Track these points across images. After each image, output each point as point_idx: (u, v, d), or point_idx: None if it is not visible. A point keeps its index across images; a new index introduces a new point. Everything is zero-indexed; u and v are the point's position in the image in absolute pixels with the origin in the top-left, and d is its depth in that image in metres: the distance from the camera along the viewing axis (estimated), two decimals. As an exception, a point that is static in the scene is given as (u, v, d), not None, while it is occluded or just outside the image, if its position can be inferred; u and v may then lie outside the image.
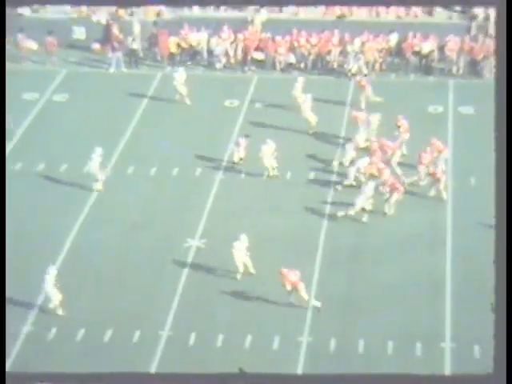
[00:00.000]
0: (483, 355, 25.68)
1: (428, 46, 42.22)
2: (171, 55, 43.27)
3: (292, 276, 27.46)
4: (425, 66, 42.33)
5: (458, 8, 44.00)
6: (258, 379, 14.70)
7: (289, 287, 27.58)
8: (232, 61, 43.03)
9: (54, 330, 27.35)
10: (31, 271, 29.21)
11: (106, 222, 32.09)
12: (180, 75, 39.75)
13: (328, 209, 32.34)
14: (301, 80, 38.66)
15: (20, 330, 27.23)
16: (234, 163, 35.00)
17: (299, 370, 25.50)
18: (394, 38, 42.77)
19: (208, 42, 43.27)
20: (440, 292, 28.51)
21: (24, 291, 28.34)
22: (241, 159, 35.02)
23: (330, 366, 25.62)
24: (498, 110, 13.86)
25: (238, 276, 29.20)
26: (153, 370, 25.70)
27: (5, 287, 16.25)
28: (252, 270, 29.29)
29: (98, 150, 33.91)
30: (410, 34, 42.44)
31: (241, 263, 29.20)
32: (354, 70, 41.76)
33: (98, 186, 33.56)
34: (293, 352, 26.25)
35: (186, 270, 29.62)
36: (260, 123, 37.81)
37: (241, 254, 29.13)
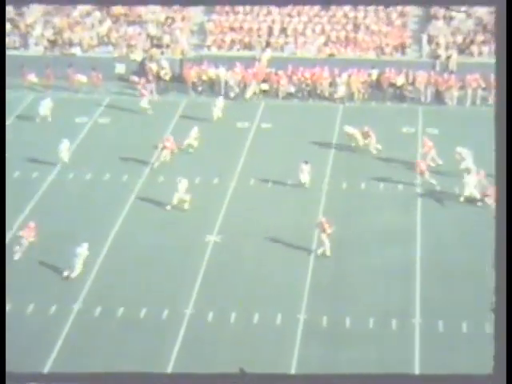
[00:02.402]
0: (447, 329, 25.69)
1: (401, 79, 41.92)
2: (194, 85, 42.83)
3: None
4: (399, 95, 41.95)
5: (427, 50, 43.73)
6: (258, 379, 13.24)
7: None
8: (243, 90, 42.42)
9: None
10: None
11: (144, 218, 31.94)
12: (47, 103, 39.79)
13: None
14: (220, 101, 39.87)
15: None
16: (299, 185, 33.54)
17: (297, 342, 25.16)
18: (374, 73, 42.48)
19: (224, 75, 42.81)
20: (411, 278, 28.14)
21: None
22: (304, 183, 33.50)
23: (322, 340, 25.35)
24: (497, 109, 12.30)
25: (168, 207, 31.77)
26: (180, 335, 25.42)
27: (5, 286, 14.14)
28: (186, 207, 31.89)
29: (66, 142, 35.47)
30: (387, 70, 42.21)
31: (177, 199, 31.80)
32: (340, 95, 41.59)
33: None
34: (293, 327, 25.84)
35: (205, 261, 29.24)
36: (266, 141, 37.79)
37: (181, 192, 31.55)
